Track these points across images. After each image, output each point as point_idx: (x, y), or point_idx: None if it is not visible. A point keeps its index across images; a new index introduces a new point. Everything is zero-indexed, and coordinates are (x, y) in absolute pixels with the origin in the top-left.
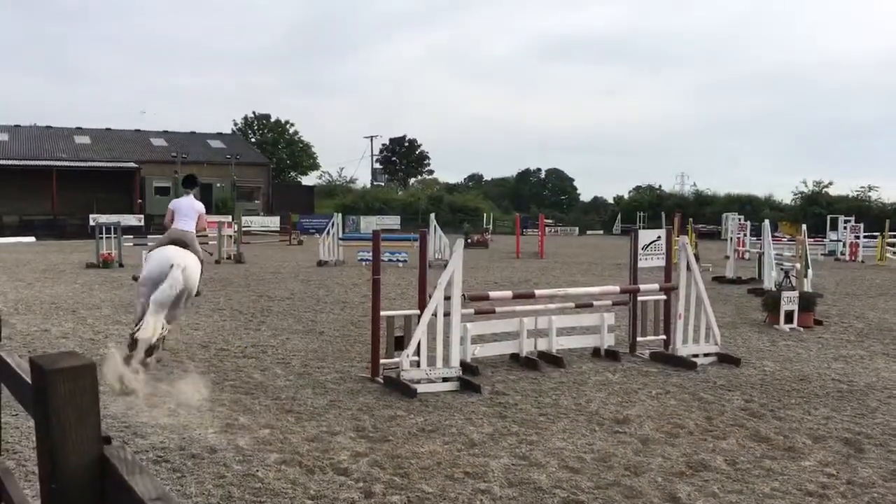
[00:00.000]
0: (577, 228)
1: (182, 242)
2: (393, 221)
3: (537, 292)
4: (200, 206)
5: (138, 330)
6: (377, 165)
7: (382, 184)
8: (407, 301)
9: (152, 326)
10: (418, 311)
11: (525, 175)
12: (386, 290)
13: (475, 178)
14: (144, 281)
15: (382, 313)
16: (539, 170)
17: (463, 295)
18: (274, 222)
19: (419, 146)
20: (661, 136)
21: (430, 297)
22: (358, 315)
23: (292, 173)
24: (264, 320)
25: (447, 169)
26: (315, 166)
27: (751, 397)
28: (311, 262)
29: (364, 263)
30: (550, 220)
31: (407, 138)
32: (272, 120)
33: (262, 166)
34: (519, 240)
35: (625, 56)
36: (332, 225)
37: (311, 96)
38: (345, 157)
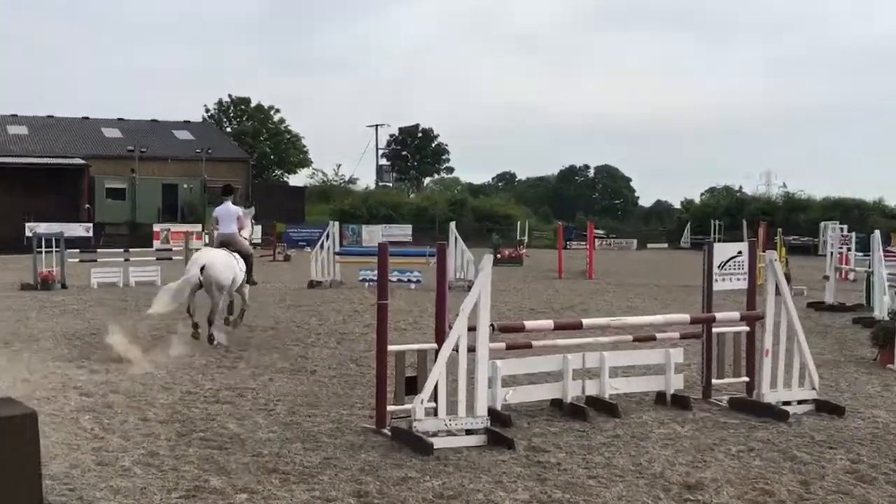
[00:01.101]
0: (634, 241)
1: (227, 243)
2: (403, 232)
3: (585, 322)
4: (237, 210)
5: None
6: (383, 162)
7: (390, 184)
8: (421, 332)
9: (157, 303)
10: (435, 346)
11: (569, 174)
12: (395, 318)
13: (506, 178)
14: (180, 284)
15: (390, 348)
16: (586, 167)
17: (492, 325)
18: (255, 232)
19: (436, 137)
20: (740, 124)
21: (450, 327)
22: (359, 350)
23: (277, 171)
24: (242, 355)
25: (471, 166)
26: (305, 162)
27: (858, 457)
28: (301, 283)
29: (367, 285)
30: (601, 231)
31: (420, 128)
32: (252, 105)
33: (240, 162)
34: (561, 255)
35: (691, 23)
36: (327, 236)
37: (300, 75)
38: (343, 152)
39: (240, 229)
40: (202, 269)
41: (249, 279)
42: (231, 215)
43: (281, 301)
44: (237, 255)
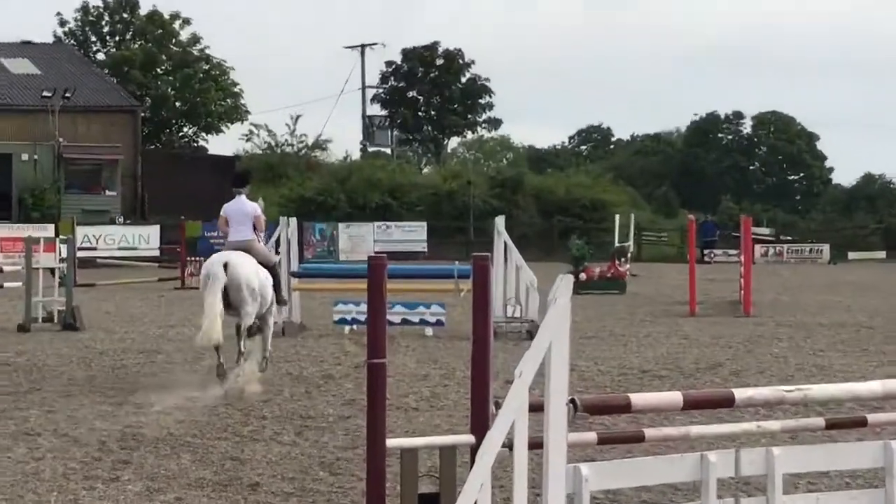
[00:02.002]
0: (825, 247)
1: (243, 251)
2: (413, 232)
3: (739, 394)
4: (253, 207)
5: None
6: (375, 111)
7: (388, 150)
8: (445, 414)
9: (205, 328)
10: (471, 438)
11: (707, 129)
12: (399, 387)
13: (594, 139)
14: (201, 288)
15: (391, 442)
16: (738, 116)
17: (572, 400)
18: (148, 238)
19: (468, 66)
20: None
21: (496, 405)
22: (336, 446)
23: (187, 129)
24: (129, 460)
25: (532, 116)
26: (237, 114)
27: None
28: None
29: (349, 329)
30: (766, 231)
31: (442, 49)
32: (143, 13)
33: (123, 114)
34: (695, 274)
35: None
36: (276, 244)
37: None
38: (304, 93)
39: (260, 231)
40: (225, 266)
41: (279, 298)
42: (247, 215)
43: (195, 360)
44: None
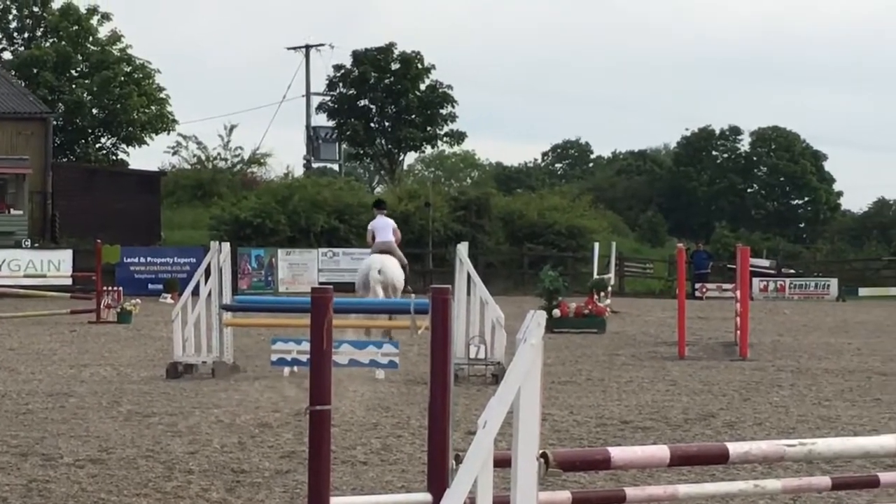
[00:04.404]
0: (833, 282)
1: (387, 251)
2: (363, 260)
3: (733, 448)
4: (392, 222)
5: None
6: (321, 121)
7: (335, 166)
8: (399, 469)
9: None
10: (428, 497)
11: (699, 145)
12: (346, 439)
13: (570, 156)
14: (357, 288)
15: (336, 501)
16: (735, 131)
17: (543, 454)
18: (59, 264)
19: (428, 71)
20: None
21: (457, 458)
22: None
23: (105, 140)
24: None
25: (500, 128)
26: (163, 123)
27: None
28: (154, 367)
29: (288, 371)
30: (766, 262)
31: (398, 51)
32: (57, 6)
33: (31, 122)
34: (684, 310)
35: None
36: (206, 273)
37: None
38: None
39: (397, 240)
40: (379, 271)
41: (405, 288)
42: (388, 226)
43: (112, 404)
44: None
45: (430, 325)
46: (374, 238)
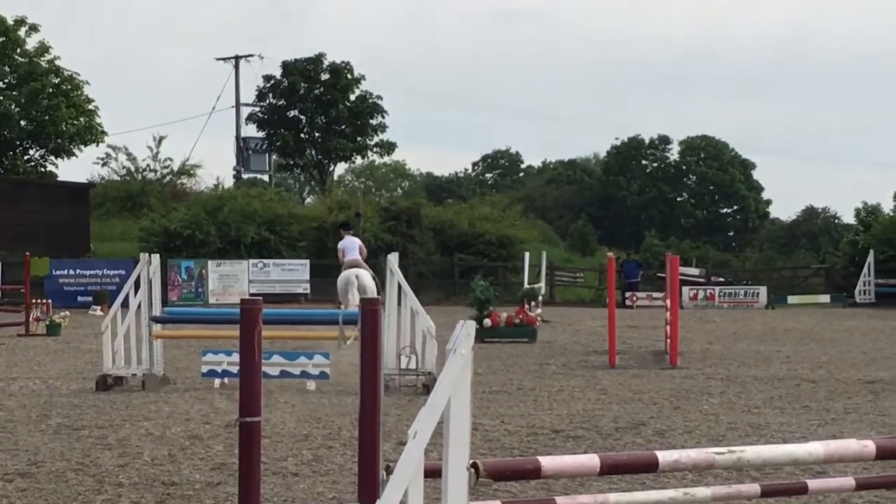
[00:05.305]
0: (762, 290)
1: (358, 266)
2: (293, 271)
3: (663, 457)
4: (358, 241)
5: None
6: (251, 132)
7: (265, 177)
8: (329, 480)
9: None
10: None
11: (629, 155)
12: (276, 451)
13: (500, 165)
14: (340, 298)
15: None
16: (665, 141)
17: (473, 464)
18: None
19: (359, 81)
20: None
21: (387, 469)
22: None
23: (34, 152)
24: None
25: (430, 138)
26: (92, 134)
27: None
28: (83, 379)
29: (219, 382)
30: (695, 271)
31: (328, 62)
32: None
33: None
34: (614, 319)
35: None
36: (136, 285)
37: None
38: (169, 111)
39: (363, 257)
40: (357, 276)
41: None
42: (355, 245)
43: (42, 418)
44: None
45: (360, 336)
46: (343, 256)
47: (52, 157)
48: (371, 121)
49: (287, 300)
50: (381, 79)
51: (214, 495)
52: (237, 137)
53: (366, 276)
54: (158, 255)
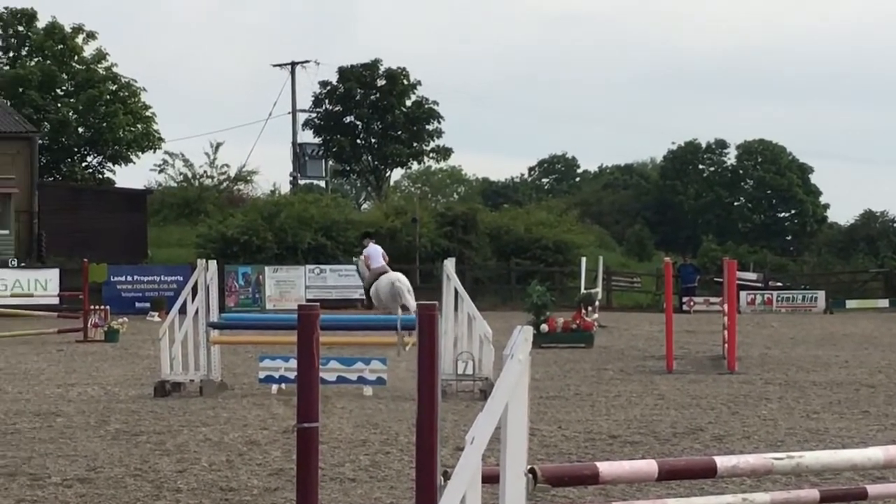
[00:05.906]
0: (821, 294)
1: (388, 272)
2: (350, 277)
3: (721, 462)
4: (380, 249)
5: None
6: (307, 138)
7: (322, 182)
8: (387, 485)
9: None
10: None
11: (686, 159)
12: (334, 455)
13: (557, 170)
14: (385, 303)
15: None
16: (722, 145)
17: (531, 470)
18: (45, 283)
19: (414, 87)
20: None
21: (445, 474)
22: None
23: (91, 158)
24: None
25: (486, 143)
26: (149, 141)
27: None
28: (141, 386)
29: (276, 388)
30: (754, 275)
31: (384, 68)
32: (40, 25)
33: (18, 141)
34: (672, 324)
35: None
36: (194, 291)
37: None
38: (226, 118)
39: (388, 264)
40: (399, 280)
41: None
42: (378, 253)
43: (100, 423)
44: None
45: (417, 342)
46: (370, 264)
47: (110, 164)
48: (427, 126)
49: (344, 306)
50: (437, 83)
51: (272, 501)
52: (293, 143)
53: (403, 277)
54: (215, 261)
